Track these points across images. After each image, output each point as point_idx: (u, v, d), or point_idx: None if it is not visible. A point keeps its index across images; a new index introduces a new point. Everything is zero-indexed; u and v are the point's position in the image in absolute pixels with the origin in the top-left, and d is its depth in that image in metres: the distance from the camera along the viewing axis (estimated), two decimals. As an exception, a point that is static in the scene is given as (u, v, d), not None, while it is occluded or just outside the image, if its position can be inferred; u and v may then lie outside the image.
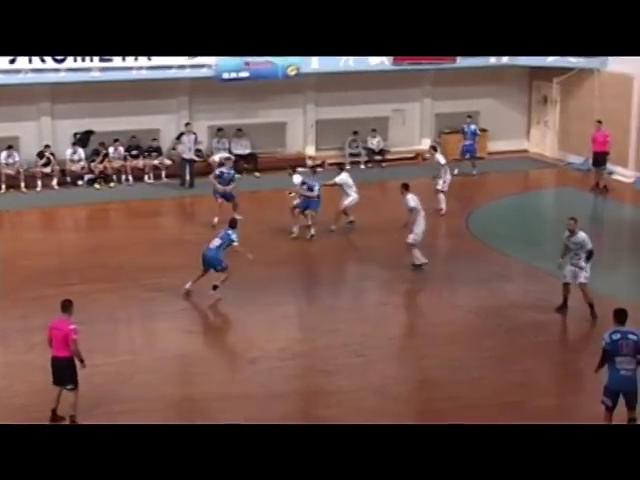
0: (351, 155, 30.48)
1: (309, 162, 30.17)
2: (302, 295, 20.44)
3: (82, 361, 14.07)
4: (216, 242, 19.08)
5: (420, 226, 20.87)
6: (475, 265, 21.53)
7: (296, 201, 23.32)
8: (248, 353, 16.89)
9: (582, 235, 18.41)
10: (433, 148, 26.53)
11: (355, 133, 30.42)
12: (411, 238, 20.80)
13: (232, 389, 15.54)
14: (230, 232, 19.18)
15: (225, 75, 27.97)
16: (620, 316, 13.92)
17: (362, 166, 30.34)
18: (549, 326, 18.27)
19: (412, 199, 20.92)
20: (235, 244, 19.10)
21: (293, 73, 28.57)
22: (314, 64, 28.49)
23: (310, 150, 30.65)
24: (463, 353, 17.05)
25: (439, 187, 25.15)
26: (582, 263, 18.36)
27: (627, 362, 13.58)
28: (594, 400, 15.04)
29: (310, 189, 23.10)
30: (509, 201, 27.44)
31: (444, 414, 14.61)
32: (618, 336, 13.66)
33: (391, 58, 29.23)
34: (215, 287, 18.92)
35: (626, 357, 13.60)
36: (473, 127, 29.73)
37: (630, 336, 13.64)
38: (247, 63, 27.84)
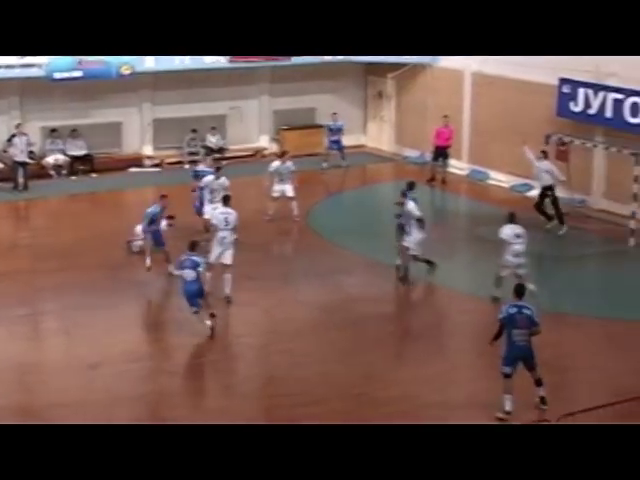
0: (190, 154, 30.23)
1: (147, 162, 29.88)
2: (145, 296, 20.14)
3: None
4: (190, 275, 17.33)
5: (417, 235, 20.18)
6: (316, 260, 21.67)
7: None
8: (89, 358, 16.52)
9: (410, 204, 19.69)
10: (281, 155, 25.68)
11: (194, 131, 30.21)
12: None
13: (72, 396, 15.17)
14: (194, 257, 17.52)
15: (57, 75, 27.28)
16: (519, 290, 14.80)
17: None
18: (390, 318, 18.56)
19: (413, 207, 20.16)
20: (200, 269, 17.50)
21: (127, 72, 28.13)
22: (149, 63, 28.09)
23: (147, 150, 30.27)
24: (308, 348, 17.14)
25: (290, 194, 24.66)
26: (408, 229, 19.67)
27: (522, 334, 14.45)
28: (434, 388, 15.42)
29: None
30: (348, 196, 27.76)
31: (291, 410, 14.66)
32: (514, 310, 14.50)
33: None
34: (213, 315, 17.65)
35: (521, 330, 14.46)
36: (340, 123, 30.51)
37: (524, 310, 14.49)
38: (80, 62, 27.24)
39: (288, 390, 15.58)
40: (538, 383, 14.75)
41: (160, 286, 20.42)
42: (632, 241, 22.73)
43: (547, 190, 23.94)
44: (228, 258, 18.78)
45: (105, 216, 24.71)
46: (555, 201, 24.04)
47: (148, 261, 20.38)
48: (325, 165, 29.83)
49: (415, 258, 20.13)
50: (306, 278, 20.52)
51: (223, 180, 22.17)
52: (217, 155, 30.18)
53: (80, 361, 16.51)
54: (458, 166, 29.75)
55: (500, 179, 28.24)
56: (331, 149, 30.31)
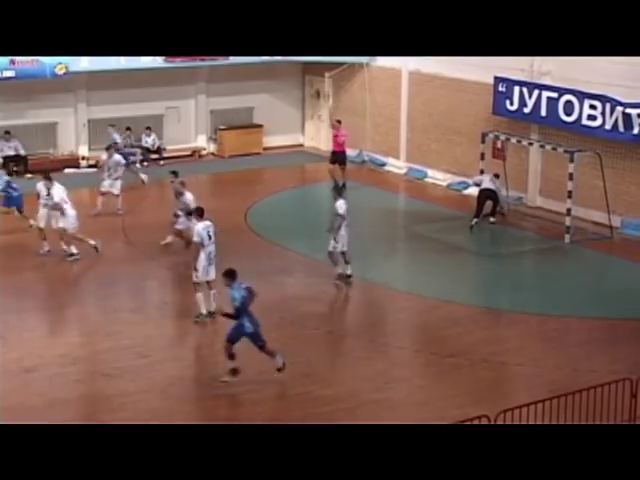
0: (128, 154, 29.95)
1: (83, 163, 29.61)
2: (82, 298, 19.93)
3: None
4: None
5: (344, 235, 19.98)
6: (256, 260, 21.62)
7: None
8: (24, 361, 16.30)
9: (339, 202, 19.73)
10: (107, 148, 25.29)
11: (128, 129, 29.92)
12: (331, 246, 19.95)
13: (7, 400, 14.94)
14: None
15: (-11, 74, 26.94)
16: (232, 275, 15.59)
17: (138, 165, 29.90)
18: (329, 317, 18.59)
19: (342, 206, 19.87)
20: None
21: (62, 72, 27.84)
22: (84, 62, 27.82)
23: (83, 150, 29.98)
24: (246, 348, 17.07)
25: (104, 189, 24.57)
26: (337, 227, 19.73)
27: (251, 313, 15.56)
28: (373, 386, 15.49)
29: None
30: (287, 195, 27.75)
31: (231, 410, 14.63)
32: (243, 292, 15.33)
33: (163, 56, 28.96)
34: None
35: (250, 310, 15.54)
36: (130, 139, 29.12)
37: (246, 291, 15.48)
38: (12, 62, 26.90)
39: (227, 390, 15.51)
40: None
41: (96, 289, 20.23)
42: (567, 238, 23.02)
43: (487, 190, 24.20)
44: (213, 273, 18.07)
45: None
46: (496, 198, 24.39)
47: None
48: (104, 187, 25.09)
49: (342, 254, 19.99)
50: (245, 277, 20.40)
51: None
52: (153, 156, 30.07)
53: (15, 365, 16.30)
54: (396, 164, 29.90)
55: (438, 177, 28.44)
56: (127, 165, 26.10)
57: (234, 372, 15.64)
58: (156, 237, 22.67)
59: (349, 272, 19.99)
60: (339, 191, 20.73)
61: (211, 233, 17.94)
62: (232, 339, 15.63)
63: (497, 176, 24.63)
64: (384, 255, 22.43)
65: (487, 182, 24.30)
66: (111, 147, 25.52)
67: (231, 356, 15.63)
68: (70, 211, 21.18)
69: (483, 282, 21.47)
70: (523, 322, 18.46)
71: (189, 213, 19.64)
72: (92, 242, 21.31)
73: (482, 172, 24.94)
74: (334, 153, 27.94)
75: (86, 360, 16.76)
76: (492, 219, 24.29)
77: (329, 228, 20.07)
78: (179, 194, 20.95)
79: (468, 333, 17.83)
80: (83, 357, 16.83)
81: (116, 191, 24.57)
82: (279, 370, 15.76)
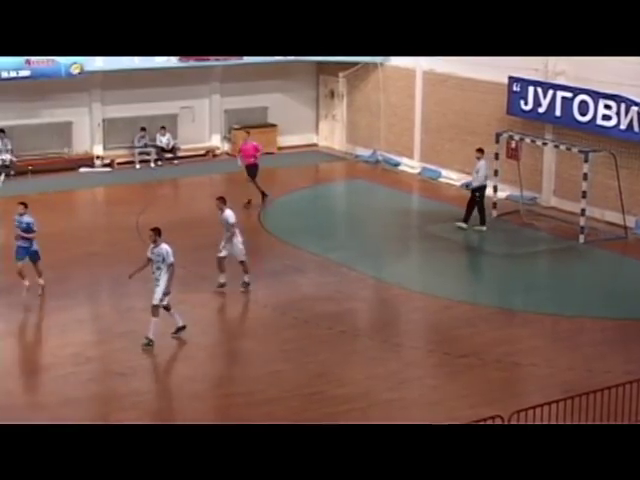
0: (141, 153, 30.07)
1: (97, 162, 29.69)
2: (95, 298, 20.00)
3: None
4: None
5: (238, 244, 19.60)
6: (269, 259, 21.66)
7: None
8: (38, 360, 16.37)
9: (227, 212, 19.28)
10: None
11: (143, 129, 30.01)
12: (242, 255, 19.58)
13: (23, 398, 15.02)
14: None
15: (4, 74, 27.03)
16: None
17: (152, 164, 29.98)
18: (343, 317, 18.59)
19: (231, 215, 19.53)
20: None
21: (77, 71, 27.93)
22: (98, 62, 27.89)
23: (98, 149, 30.05)
24: (260, 347, 17.13)
25: None
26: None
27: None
28: (386, 386, 15.50)
29: None
30: (301, 195, 27.74)
31: (245, 410, 14.64)
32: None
33: (177, 55, 29.04)
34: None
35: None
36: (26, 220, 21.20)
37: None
38: (28, 61, 27.00)
39: (241, 389, 15.55)
40: None
41: (110, 289, 20.28)
42: (582, 238, 22.96)
43: (476, 191, 23.78)
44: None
45: (55, 217, 24.45)
46: (481, 202, 23.72)
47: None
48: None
49: (243, 264, 19.52)
50: (259, 277, 20.49)
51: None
52: (168, 155, 30.13)
53: (29, 364, 16.37)
54: (410, 164, 29.88)
55: (452, 177, 28.39)
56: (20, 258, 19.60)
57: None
58: (170, 236, 22.69)
59: (246, 279, 19.49)
60: (224, 201, 19.55)
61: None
62: None
63: (481, 151, 23.95)
64: (397, 255, 22.42)
65: (483, 171, 23.73)
66: None
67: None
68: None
69: (496, 282, 21.43)
70: (536, 322, 18.42)
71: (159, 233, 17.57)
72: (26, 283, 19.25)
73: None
74: (247, 167, 25.89)
75: (99, 359, 16.81)
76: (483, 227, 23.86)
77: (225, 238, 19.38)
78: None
79: (481, 333, 17.80)
80: (96, 356, 16.88)
81: None
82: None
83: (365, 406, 14.88)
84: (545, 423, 12.24)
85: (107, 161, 29.81)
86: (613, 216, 23.74)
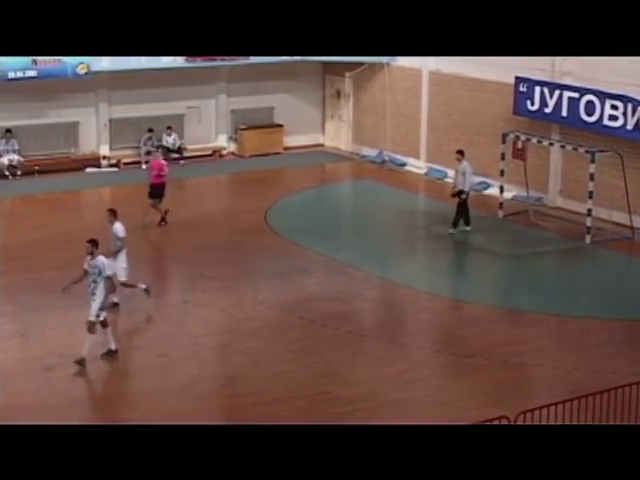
0: (147, 153, 30.08)
1: (104, 162, 29.73)
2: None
3: None
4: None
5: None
6: (275, 260, 21.66)
7: None
8: (45, 360, 16.37)
9: (116, 225, 18.20)
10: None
11: (150, 131, 30.06)
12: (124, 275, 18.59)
13: (27, 399, 15.03)
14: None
15: (11, 74, 27.09)
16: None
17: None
18: (349, 317, 18.58)
19: (121, 229, 18.47)
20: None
21: (83, 72, 27.97)
22: (105, 62, 27.95)
23: (104, 150, 30.09)
24: (266, 348, 17.12)
25: None
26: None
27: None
28: (393, 386, 15.48)
29: None
30: (307, 195, 27.75)
31: (251, 410, 14.64)
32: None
33: (184, 55, 29.06)
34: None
35: None
36: None
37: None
38: (35, 62, 27.05)
39: (247, 390, 15.55)
40: None
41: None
42: (588, 238, 22.93)
43: (461, 194, 23.53)
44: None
45: (61, 217, 24.51)
46: (465, 204, 23.49)
47: None
48: None
49: (124, 285, 18.62)
50: (265, 277, 20.50)
51: None
52: (174, 155, 30.14)
53: (36, 363, 16.37)
54: (416, 165, 29.87)
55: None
56: None
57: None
58: (176, 236, 22.76)
59: (116, 300, 18.37)
60: (115, 214, 18.57)
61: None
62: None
63: (461, 152, 23.72)
64: (404, 255, 22.42)
65: (470, 173, 23.45)
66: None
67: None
68: None
69: (503, 282, 21.41)
70: (543, 323, 18.40)
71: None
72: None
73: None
74: (151, 186, 24.12)
75: (105, 359, 16.79)
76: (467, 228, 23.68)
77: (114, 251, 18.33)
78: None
79: (487, 333, 17.79)
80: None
81: None
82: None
83: (371, 406, 14.87)
84: (551, 424, 12.23)
85: (113, 161, 29.85)
86: (620, 216, 23.71)
